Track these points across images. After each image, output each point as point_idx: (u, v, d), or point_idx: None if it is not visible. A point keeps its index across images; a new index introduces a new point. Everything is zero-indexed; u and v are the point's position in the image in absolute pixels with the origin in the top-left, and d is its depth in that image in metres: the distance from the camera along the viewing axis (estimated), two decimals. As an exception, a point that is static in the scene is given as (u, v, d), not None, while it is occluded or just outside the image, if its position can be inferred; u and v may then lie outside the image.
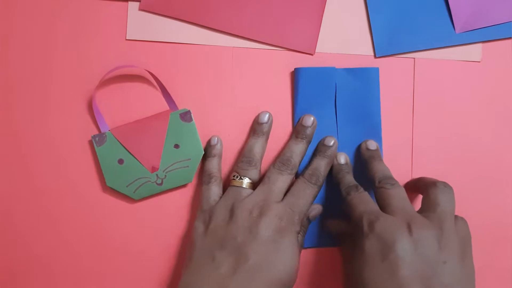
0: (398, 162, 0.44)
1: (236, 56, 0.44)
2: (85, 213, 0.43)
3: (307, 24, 0.44)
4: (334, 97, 0.44)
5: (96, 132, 0.44)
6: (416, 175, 0.44)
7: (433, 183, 0.37)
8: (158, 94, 0.44)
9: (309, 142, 0.42)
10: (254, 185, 0.41)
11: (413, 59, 0.45)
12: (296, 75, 0.44)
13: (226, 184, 0.42)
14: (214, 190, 0.41)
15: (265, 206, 0.38)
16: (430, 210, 0.35)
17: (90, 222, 0.43)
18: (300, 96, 0.44)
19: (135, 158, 0.43)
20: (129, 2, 0.44)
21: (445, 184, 0.37)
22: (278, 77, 0.44)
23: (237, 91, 0.44)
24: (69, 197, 0.43)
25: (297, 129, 0.43)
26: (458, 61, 0.45)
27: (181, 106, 0.44)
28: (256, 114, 0.44)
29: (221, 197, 0.41)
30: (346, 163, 0.42)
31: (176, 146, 0.43)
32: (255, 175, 0.41)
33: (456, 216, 0.37)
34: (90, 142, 0.44)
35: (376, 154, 0.42)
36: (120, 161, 0.42)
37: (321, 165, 0.41)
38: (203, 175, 0.42)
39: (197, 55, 0.44)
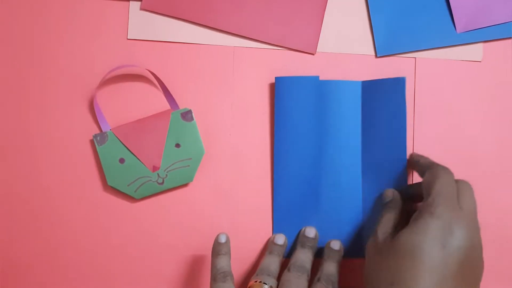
0: (399, 161, 0.44)
1: (237, 56, 0.44)
2: (86, 212, 0.43)
3: (308, 23, 0.44)
4: (318, 108, 0.43)
5: (97, 132, 0.44)
6: (416, 175, 0.44)
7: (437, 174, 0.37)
8: (159, 93, 0.44)
9: (314, 250, 0.42)
10: None
11: (414, 58, 0.45)
12: (276, 85, 0.43)
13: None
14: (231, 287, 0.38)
15: None
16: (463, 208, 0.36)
17: (91, 221, 0.43)
18: (279, 107, 0.43)
19: (136, 157, 0.43)
20: (131, 2, 0.44)
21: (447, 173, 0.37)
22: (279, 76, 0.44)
23: (238, 91, 0.44)
24: (70, 196, 0.43)
25: (302, 240, 0.42)
26: (459, 61, 0.45)
27: (182, 105, 0.44)
28: (257, 114, 0.44)
29: None
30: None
31: (177, 145, 0.43)
32: (274, 284, 0.38)
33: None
34: (91, 142, 0.44)
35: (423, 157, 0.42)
36: (121, 161, 0.43)
37: (334, 271, 0.40)
38: (215, 273, 0.38)
39: (198, 54, 0.44)
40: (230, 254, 0.39)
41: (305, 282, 0.38)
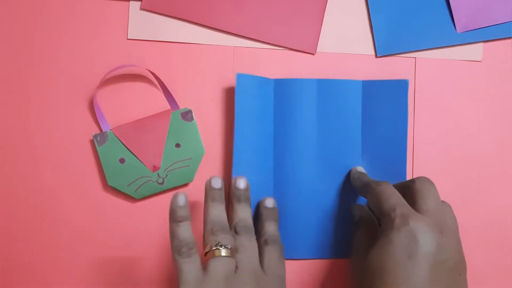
0: (399, 161, 0.44)
1: (237, 56, 0.44)
2: (86, 212, 0.43)
3: (308, 23, 0.44)
4: (271, 110, 0.43)
5: (98, 131, 0.44)
6: (416, 174, 0.44)
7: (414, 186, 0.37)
8: (159, 93, 0.44)
9: (249, 202, 0.40)
10: (232, 252, 0.36)
11: (414, 58, 0.45)
12: (236, 81, 0.42)
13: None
14: (198, 261, 0.35)
15: (260, 281, 0.35)
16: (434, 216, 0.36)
17: (91, 221, 0.43)
18: (238, 104, 0.42)
19: (136, 157, 0.43)
20: (131, 2, 0.44)
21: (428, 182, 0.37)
22: (279, 76, 0.44)
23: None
24: (70, 196, 0.43)
25: (236, 194, 0.39)
26: (459, 60, 0.45)
27: (182, 105, 0.44)
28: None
29: (203, 272, 0.35)
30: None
31: (177, 145, 0.43)
32: (231, 241, 0.36)
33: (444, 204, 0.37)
34: (91, 142, 0.44)
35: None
36: (121, 160, 0.43)
37: (275, 229, 0.40)
38: (178, 246, 0.35)
39: (199, 54, 0.44)
40: (190, 218, 0.36)
41: (255, 242, 0.38)
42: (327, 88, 0.43)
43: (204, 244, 0.36)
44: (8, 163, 0.43)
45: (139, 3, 0.44)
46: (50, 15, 0.44)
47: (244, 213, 0.38)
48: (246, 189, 0.40)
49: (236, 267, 0.35)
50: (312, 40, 0.44)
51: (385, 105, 0.43)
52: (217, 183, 0.38)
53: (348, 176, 0.43)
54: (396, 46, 0.44)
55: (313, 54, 0.45)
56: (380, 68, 0.44)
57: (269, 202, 0.41)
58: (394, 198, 0.36)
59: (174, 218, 0.36)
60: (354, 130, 0.43)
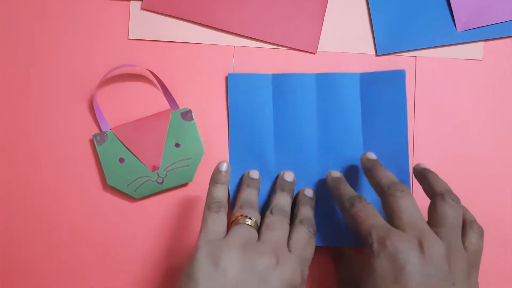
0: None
1: (237, 55, 0.44)
2: (86, 211, 0.43)
3: (309, 23, 0.44)
4: (270, 106, 0.43)
5: (97, 131, 0.44)
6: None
7: (441, 195, 0.36)
8: (159, 93, 0.44)
9: (292, 195, 0.41)
10: (258, 228, 0.37)
11: (414, 57, 0.45)
12: (227, 81, 0.43)
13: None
14: (223, 220, 0.36)
15: (280, 255, 0.35)
16: (439, 225, 0.35)
17: (91, 220, 0.43)
18: (231, 104, 0.43)
19: (136, 157, 0.42)
20: (131, 2, 0.44)
21: (454, 198, 0.36)
22: (279, 76, 0.44)
23: (238, 90, 0.44)
24: (70, 195, 0.43)
25: (281, 184, 0.41)
26: (459, 59, 0.45)
27: (182, 105, 0.44)
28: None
29: (227, 231, 0.36)
30: (342, 176, 0.41)
31: (177, 145, 0.43)
32: (257, 217, 0.37)
33: (473, 224, 0.36)
34: (91, 141, 0.43)
35: (378, 163, 0.40)
36: (121, 160, 0.42)
37: (311, 214, 0.40)
38: (210, 202, 0.37)
39: (199, 54, 0.44)
40: (228, 184, 0.39)
41: (287, 225, 0.38)
42: (325, 82, 0.43)
43: (231, 216, 0.37)
44: (8, 162, 0.43)
45: (139, 3, 0.44)
46: (50, 15, 0.44)
47: (284, 200, 0.39)
48: (292, 182, 0.41)
49: (259, 239, 0.36)
50: (312, 40, 0.44)
51: (383, 96, 0.43)
52: (255, 174, 0.41)
53: (350, 168, 0.43)
54: (396, 45, 0.44)
55: (313, 53, 0.44)
56: (380, 67, 0.44)
57: (309, 192, 0.42)
58: (369, 219, 0.36)
59: (214, 179, 0.38)
60: (355, 122, 0.43)
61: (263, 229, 0.37)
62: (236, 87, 0.43)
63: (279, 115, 0.43)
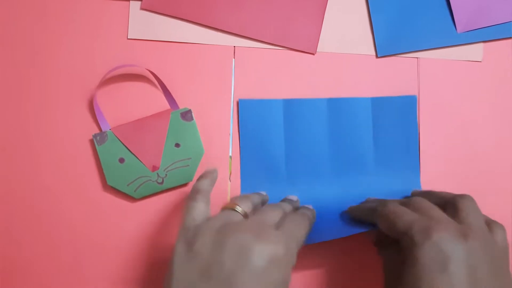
0: (399, 162, 0.44)
1: (237, 55, 0.44)
2: (86, 211, 0.43)
3: (309, 23, 0.44)
4: (282, 131, 0.43)
5: (97, 131, 0.44)
6: (420, 173, 0.44)
7: (457, 196, 0.36)
8: (159, 93, 0.44)
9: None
10: (247, 216, 0.35)
11: (416, 59, 0.45)
12: (239, 107, 0.44)
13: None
14: (201, 207, 0.35)
15: (261, 231, 0.32)
16: (465, 222, 0.34)
17: (90, 220, 0.43)
18: (242, 129, 0.43)
19: (136, 157, 0.43)
20: (131, 2, 0.44)
21: (469, 198, 0.36)
22: (279, 76, 0.44)
23: (238, 91, 0.44)
24: (70, 195, 0.43)
25: (285, 200, 0.41)
26: (459, 61, 0.45)
27: (182, 105, 0.44)
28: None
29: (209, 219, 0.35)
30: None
31: (177, 145, 0.43)
32: (249, 207, 0.36)
33: (495, 222, 0.36)
34: (91, 141, 0.44)
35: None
36: (121, 160, 0.42)
37: (311, 209, 0.40)
38: (190, 192, 0.36)
39: (199, 54, 0.44)
40: (213, 183, 0.37)
41: (280, 214, 0.36)
42: (337, 106, 0.43)
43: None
44: (8, 162, 0.43)
45: (139, 3, 0.44)
46: (50, 15, 0.44)
47: (282, 203, 0.38)
48: (295, 201, 0.41)
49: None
50: (312, 40, 0.44)
51: (395, 120, 0.43)
52: (263, 193, 0.41)
53: (362, 191, 0.43)
54: (396, 46, 0.44)
55: (313, 54, 0.44)
56: (380, 69, 0.44)
57: (310, 206, 0.41)
58: (406, 215, 0.35)
59: (199, 176, 0.38)
60: (366, 146, 0.43)
61: (251, 214, 0.35)
62: (247, 112, 0.43)
63: (290, 140, 0.43)
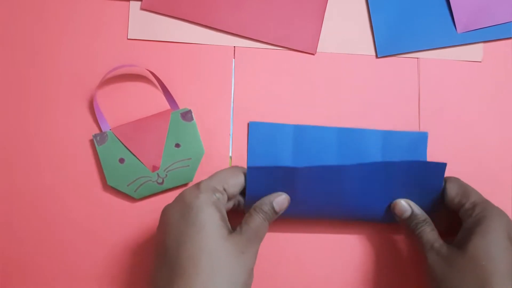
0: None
1: (237, 56, 0.44)
2: (86, 212, 0.43)
3: (309, 23, 0.44)
4: (290, 156, 0.43)
5: (97, 131, 0.44)
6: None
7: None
8: (159, 93, 0.44)
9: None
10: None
11: (416, 59, 0.45)
12: (249, 129, 0.43)
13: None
14: (192, 190, 0.37)
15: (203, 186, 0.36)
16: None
17: (90, 221, 0.43)
18: (251, 151, 0.43)
19: (136, 157, 0.43)
20: (131, 2, 0.44)
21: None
22: (279, 77, 0.44)
23: (238, 91, 0.44)
24: (70, 196, 0.43)
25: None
26: (459, 61, 0.45)
27: (182, 105, 0.44)
28: (258, 114, 0.44)
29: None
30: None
31: (177, 145, 0.43)
32: (223, 198, 0.37)
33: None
34: (91, 141, 0.44)
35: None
36: (121, 160, 0.42)
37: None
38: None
39: (199, 54, 0.44)
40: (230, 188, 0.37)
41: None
42: (347, 137, 0.43)
43: None
44: (8, 162, 0.43)
45: (139, 3, 0.44)
46: (50, 15, 0.44)
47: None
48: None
49: None
50: (312, 40, 0.44)
51: (405, 155, 0.43)
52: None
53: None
54: (396, 46, 0.44)
55: (313, 54, 0.44)
56: (381, 69, 0.44)
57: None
58: (477, 193, 0.38)
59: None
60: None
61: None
62: (257, 135, 0.43)
63: (299, 163, 0.42)
